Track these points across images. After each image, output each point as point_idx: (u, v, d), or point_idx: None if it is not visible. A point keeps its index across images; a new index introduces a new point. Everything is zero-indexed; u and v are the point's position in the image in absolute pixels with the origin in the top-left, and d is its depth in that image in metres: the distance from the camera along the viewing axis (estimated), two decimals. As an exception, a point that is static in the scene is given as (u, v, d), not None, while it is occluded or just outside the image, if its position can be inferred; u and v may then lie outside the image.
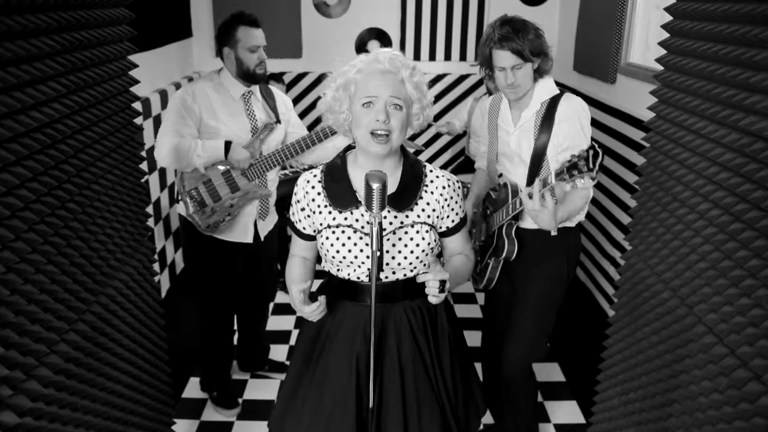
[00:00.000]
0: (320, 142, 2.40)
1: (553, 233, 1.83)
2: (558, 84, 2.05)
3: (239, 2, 4.28)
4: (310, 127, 3.14)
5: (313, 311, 1.46)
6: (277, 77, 4.02)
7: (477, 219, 2.24)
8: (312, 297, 1.53)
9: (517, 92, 1.96)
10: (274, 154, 2.39)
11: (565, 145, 1.93)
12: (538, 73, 1.96)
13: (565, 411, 2.72)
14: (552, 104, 1.95)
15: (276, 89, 2.57)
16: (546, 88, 1.99)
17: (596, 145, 1.65)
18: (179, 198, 2.39)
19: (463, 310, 3.55)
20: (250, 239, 2.49)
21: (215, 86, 2.35)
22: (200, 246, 2.45)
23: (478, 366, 2.14)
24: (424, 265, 1.54)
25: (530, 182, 1.98)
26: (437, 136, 4.66)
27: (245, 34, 2.30)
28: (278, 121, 2.46)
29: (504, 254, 2.05)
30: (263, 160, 2.38)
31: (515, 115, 2.06)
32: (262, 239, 2.54)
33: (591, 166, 1.63)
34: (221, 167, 2.35)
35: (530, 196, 1.77)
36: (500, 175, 2.19)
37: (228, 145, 2.30)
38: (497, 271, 2.13)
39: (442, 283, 1.37)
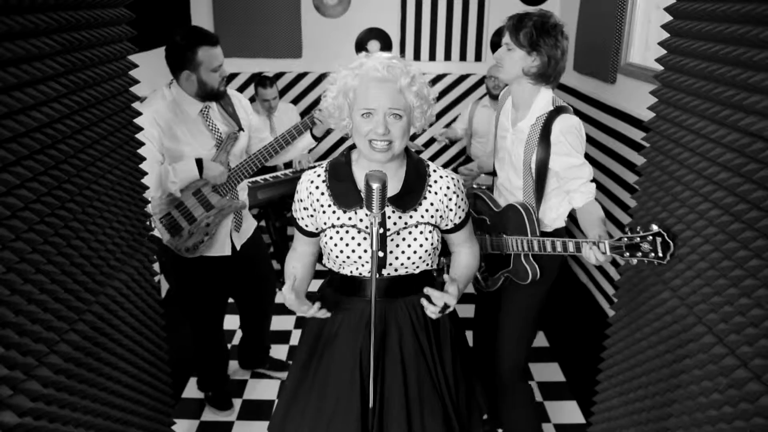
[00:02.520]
0: (288, 146, 2.36)
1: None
2: (561, 86, 2.03)
3: (238, 2, 4.29)
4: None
5: (308, 311, 1.47)
6: (264, 82, 3.92)
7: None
8: (310, 297, 1.53)
9: (498, 72, 1.99)
10: (243, 164, 2.33)
11: (564, 165, 1.92)
12: (539, 79, 1.93)
13: (565, 411, 2.72)
14: (547, 122, 1.93)
15: (232, 92, 2.42)
16: (542, 103, 1.96)
17: (665, 233, 1.55)
18: (153, 226, 2.26)
19: (462, 310, 3.55)
20: (228, 252, 2.43)
21: (169, 106, 2.21)
22: (180, 266, 2.39)
23: (478, 366, 2.14)
24: (427, 264, 1.55)
25: (538, 195, 1.99)
26: (437, 136, 4.67)
27: (207, 56, 2.15)
28: (241, 129, 2.36)
29: (530, 278, 2.01)
30: (233, 172, 2.31)
31: (514, 117, 2.05)
32: (239, 249, 2.47)
33: (661, 254, 1.55)
34: (191, 189, 2.27)
35: (597, 250, 1.74)
36: (494, 175, 2.20)
37: (200, 162, 2.21)
38: (505, 282, 2.14)
39: (446, 307, 1.44)
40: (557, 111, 1.94)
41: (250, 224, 2.57)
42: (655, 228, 1.56)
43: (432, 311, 1.43)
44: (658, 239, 1.55)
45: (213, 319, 2.60)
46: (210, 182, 2.27)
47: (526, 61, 1.91)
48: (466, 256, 1.66)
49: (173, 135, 2.21)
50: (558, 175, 1.96)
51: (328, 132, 1.56)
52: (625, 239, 1.65)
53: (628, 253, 1.64)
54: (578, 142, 1.92)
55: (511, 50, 1.92)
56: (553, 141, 1.91)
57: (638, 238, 1.60)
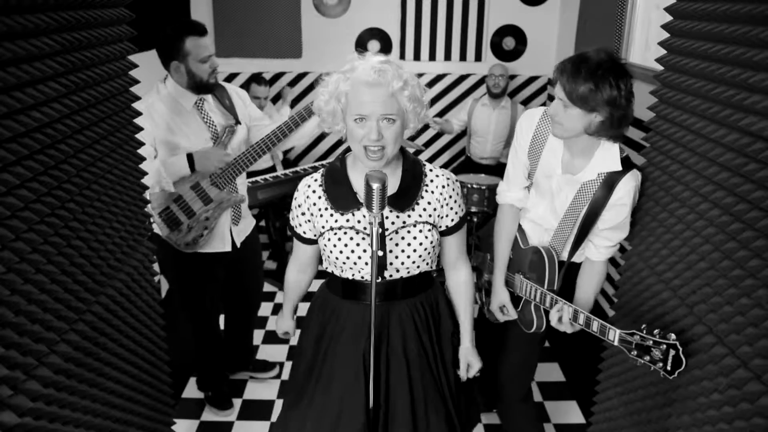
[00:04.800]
0: (291, 133, 2.30)
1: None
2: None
3: (238, 2, 4.29)
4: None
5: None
6: (259, 79, 3.93)
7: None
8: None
9: (556, 130, 1.70)
10: (242, 156, 2.29)
11: (608, 225, 1.76)
12: (601, 135, 1.67)
13: (565, 411, 2.72)
14: (610, 182, 1.71)
15: (229, 86, 2.40)
16: (607, 158, 1.72)
17: (680, 348, 1.40)
18: (152, 221, 2.26)
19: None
20: (228, 247, 2.41)
21: (163, 99, 2.19)
22: (179, 262, 2.37)
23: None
24: (427, 264, 1.55)
25: (576, 245, 1.82)
26: (437, 136, 4.66)
27: (195, 45, 2.13)
28: (238, 122, 2.33)
29: (534, 329, 1.92)
30: (231, 165, 2.28)
31: (566, 159, 1.79)
32: (239, 245, 2.45)
33: (669, 368, 1.42)
34: (189, 183, 2.25)
35: (560, 320, 1.73)
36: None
37: (191, 157, 2.17)
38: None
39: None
40: (625, 169, 1.71)
41: (249, 221, 2.55)
42: (672, 338, 1.42)
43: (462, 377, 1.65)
44: (671, 352, 1.42)
45: (212, 318, 2.59)
46: (207, 174, 2.24)
47: (585, 119, 1.64)
48: (465, 284, 1.67)
49: (168, 127, 2.18)
50: (596, 226, 1.79)
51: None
52: (638, 337, 1.49)
53: (635, 352, 1.49)
54: (632, 203, 1.75)
55: (567, 107, 1.63)
56: (614, 202, 1.72)
57: (651, 342, 1.46)
